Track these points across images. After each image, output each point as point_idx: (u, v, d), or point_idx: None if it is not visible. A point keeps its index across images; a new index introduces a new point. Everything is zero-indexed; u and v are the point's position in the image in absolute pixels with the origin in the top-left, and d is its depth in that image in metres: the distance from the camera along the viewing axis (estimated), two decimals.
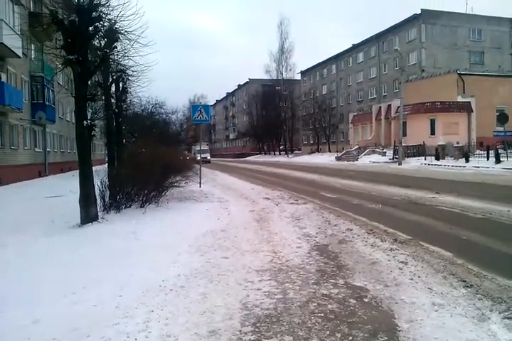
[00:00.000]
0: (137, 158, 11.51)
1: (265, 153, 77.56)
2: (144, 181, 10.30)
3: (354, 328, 3.57)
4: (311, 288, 4.58)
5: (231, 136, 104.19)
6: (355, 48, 59.26)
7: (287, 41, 69.93)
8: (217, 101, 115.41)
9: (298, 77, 75.44)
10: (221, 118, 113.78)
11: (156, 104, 33.63)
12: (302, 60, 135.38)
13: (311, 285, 4.68)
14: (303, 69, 74.34)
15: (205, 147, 58.32)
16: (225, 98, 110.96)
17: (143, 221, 8.64)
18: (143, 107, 31.22)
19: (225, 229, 7.90)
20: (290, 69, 71.55)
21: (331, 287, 4.59)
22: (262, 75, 75.30)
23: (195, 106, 16.89)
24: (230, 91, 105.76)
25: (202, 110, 16.11)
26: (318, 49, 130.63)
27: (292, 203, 11.44)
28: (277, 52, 70.42)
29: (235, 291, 4.51)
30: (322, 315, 3.85)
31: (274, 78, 71.69)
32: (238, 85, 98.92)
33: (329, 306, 4.05)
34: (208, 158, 57.66)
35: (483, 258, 5.52)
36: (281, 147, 73.19)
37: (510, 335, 3.36)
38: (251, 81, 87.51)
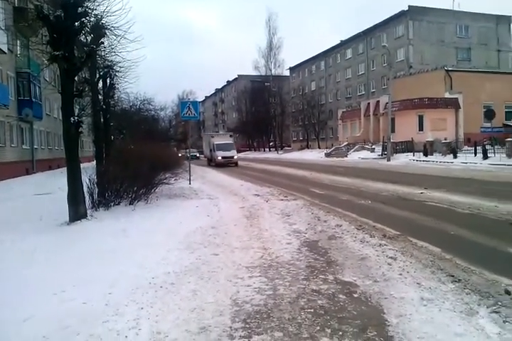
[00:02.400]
0: (125, 154, 11.45)
1: (255, 150, 77.43)
2: (132, 178, 10.24)
3: (344, 323, 3.59)
4: (301, 283, 4.60)
5: (220, 133, 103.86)
6: (343, 44, 59.39)
7: (276, 37, 69.49)
8: (207, 98, 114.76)
9: (287, 73, 75.31)
10: (210, 114, 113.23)
11: (144, 100, 33.31)
12: (291, 56, 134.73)
13: (301, 281, 4.69)
14: (292, 66, 74.22)
15: (228, 140, 37.00)
16: (214, 94, 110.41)
17: (132, 218, 8.59)
18: (131, 103, 30.94)
19: (215, 225, 7.90)
20: (279, 66, 71.17)
21: (321, 283, 4.61)
22: (251, 71, 75.00)
23: (183, 103, 16.87)
24: (219, 87, 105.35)
25: (190, 106, 16.10)
26: (306, 45, 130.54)
27: (282, 199, 11.46)
28: (266, 48, 69.97)
29: (225, 288, 4.51)
30: (312, 310, 3.87)
31: (263, 74, 71.34)
32: (227, 81, 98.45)
33: (319, 302, 4.07)
34: (235, 157, 34.61)
35: (471, 254, 5.59)
36: (271, 143, 73.07)
37: (497, 329, 3.40)
38: (240, 77, 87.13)
